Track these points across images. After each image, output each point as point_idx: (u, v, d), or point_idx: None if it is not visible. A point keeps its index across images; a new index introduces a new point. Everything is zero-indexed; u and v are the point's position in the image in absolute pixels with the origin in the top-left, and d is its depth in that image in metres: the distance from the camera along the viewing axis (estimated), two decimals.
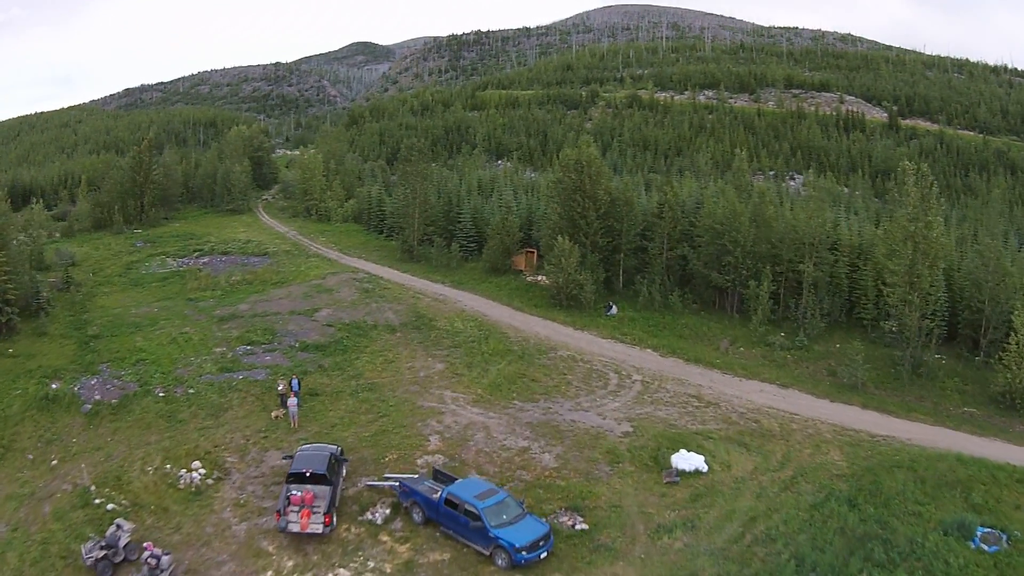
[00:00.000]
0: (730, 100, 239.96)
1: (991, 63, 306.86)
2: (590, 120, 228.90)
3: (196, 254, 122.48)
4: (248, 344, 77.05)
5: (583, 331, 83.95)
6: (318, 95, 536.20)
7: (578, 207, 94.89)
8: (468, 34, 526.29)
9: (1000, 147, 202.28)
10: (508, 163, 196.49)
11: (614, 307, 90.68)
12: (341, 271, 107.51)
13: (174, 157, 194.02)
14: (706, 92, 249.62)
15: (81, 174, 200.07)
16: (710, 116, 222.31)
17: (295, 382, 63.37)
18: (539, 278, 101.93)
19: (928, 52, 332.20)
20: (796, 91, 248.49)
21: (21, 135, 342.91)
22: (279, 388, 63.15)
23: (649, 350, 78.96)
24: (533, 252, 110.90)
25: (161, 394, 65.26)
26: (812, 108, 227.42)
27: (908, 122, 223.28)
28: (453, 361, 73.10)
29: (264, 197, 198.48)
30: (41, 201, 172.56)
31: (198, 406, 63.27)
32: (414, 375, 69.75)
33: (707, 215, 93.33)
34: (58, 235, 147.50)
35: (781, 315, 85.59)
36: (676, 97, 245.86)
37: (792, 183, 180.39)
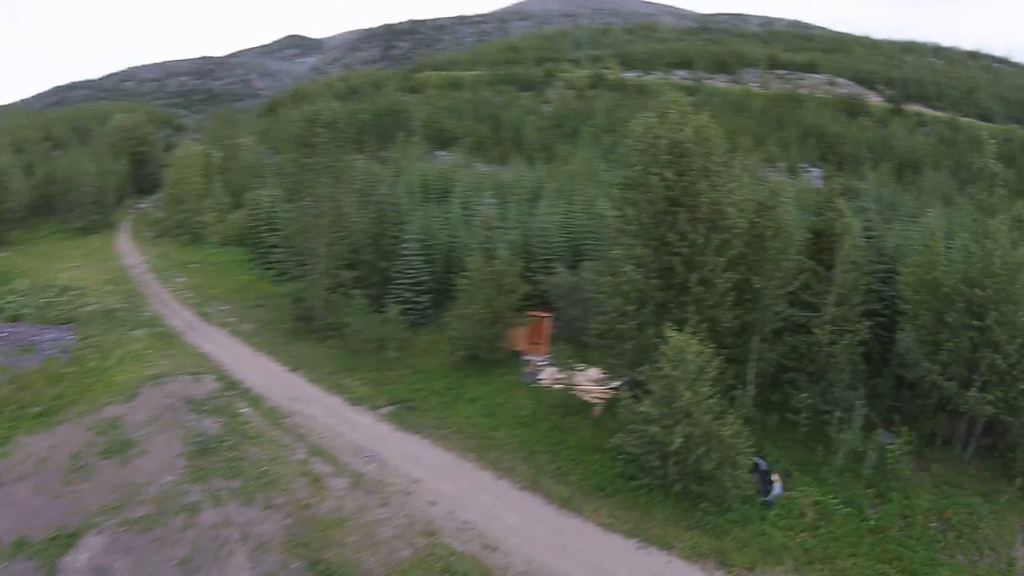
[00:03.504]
0: (707, 80, 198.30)
1: (966, 48, 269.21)
2: (547, 103, 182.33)
3: None
4: None
5: None
6: (245, 89, 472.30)
7: (682, 242, 39.64)
8: (402, 23, 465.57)
9: None
10: (454, 154, 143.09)
11: (777, 481, 37.41)
12: (175, 370, 50.21)
13: (12, 160, 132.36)
14: (679, 72, 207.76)
15: None
16: (691, 98, 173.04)
17: None
18: (564, 375, 47.40)
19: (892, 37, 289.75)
20: (781, 72, 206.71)
21: None
22: None
23: None
24: (543, 319, 56.54)
25: None
26: (805, 91, 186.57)
27: (913, 108, 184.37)
28: None
29: (139, 206, 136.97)
30: None
31: None
32: None
33: (925, 265, 43.50)
34: None
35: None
36: (646, 77, 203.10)
37: (809, 177, 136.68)
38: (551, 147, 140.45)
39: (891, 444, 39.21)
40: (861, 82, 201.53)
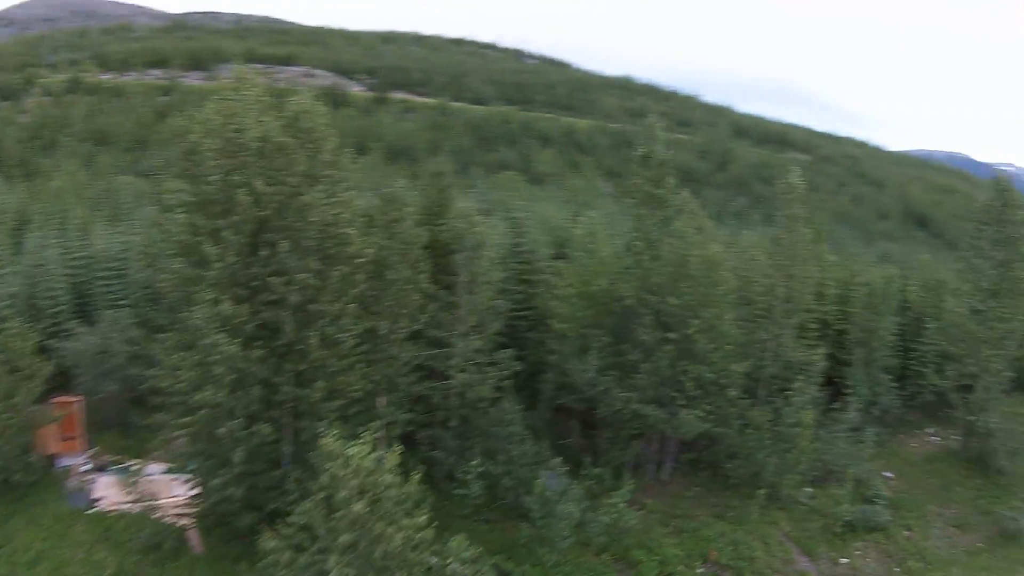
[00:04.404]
0: (182, 79, 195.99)
1: (450, 35, 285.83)
2: (25, 113, 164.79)
3: None
4: None
5: None
6: None
7: (287, 286, 27.11)
8: None
9: (528, 120, 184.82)
10: None
11: None
12: None
13: None
14: (154, 71, 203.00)
15: None
16: (166, 98, 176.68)
17: None
18: (132, 489, 31.17)
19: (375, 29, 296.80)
20: (258, 66, 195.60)
21: None
22: None
23: None
24: (72, 404, 39.92)
25: None
26: (283, 84, 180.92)
27: (397, 95, 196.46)
28: None
29: None
30: None
31: None
32: None
33: (586, 275, 38.31)
34: None
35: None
36: (122, 78, 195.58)
37: None
38: (30, 161, 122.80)
39: (557, 488, 31.63)
40: (342, 73, 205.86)
